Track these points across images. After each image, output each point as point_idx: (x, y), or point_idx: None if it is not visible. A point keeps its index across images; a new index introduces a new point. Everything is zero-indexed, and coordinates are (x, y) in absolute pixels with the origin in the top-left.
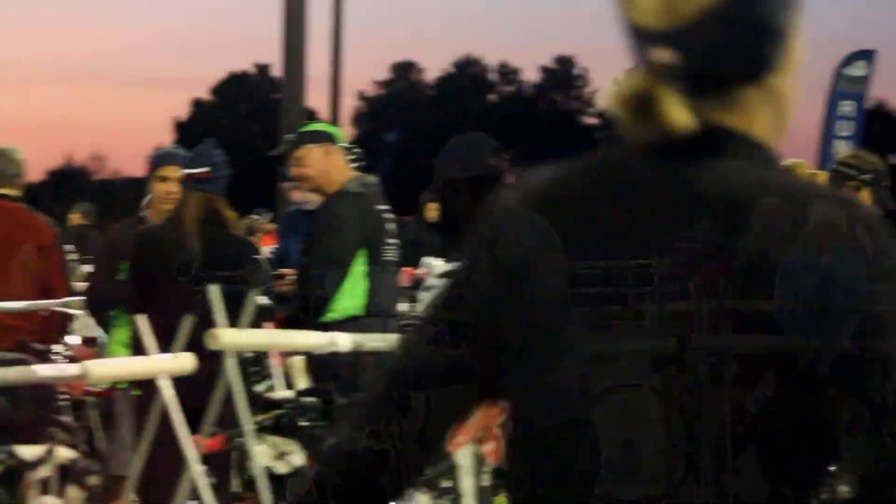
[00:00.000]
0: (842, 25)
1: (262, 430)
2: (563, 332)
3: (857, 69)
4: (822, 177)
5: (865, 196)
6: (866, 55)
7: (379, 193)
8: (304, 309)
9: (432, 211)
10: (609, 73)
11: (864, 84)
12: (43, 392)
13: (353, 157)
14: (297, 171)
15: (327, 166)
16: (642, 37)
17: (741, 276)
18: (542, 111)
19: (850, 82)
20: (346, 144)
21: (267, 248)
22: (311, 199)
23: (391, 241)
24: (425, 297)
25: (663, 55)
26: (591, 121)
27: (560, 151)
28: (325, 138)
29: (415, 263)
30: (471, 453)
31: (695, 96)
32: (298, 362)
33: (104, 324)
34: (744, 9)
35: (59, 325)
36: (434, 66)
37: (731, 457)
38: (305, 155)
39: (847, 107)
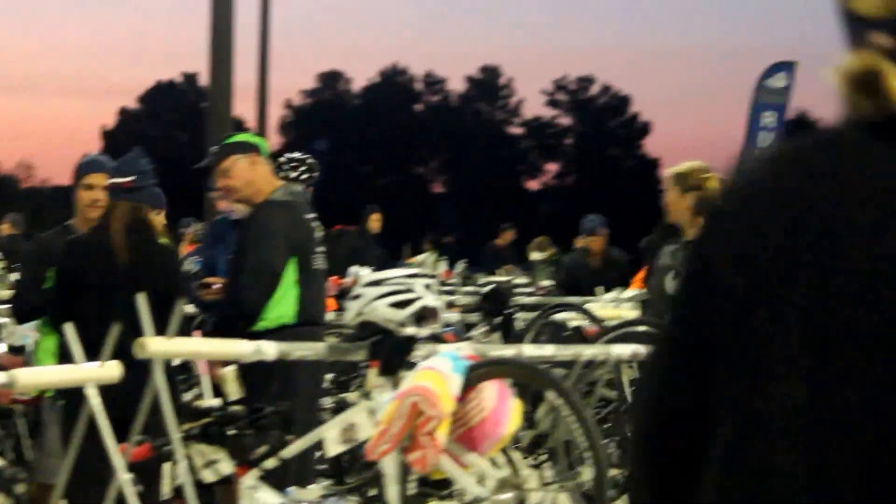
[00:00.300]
0: (764, 37)
1: (190, 438)
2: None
3: (779, 80)
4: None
5: None
6: (787, 67)
7: (306, 202)
8: (233, 318)
9: (375, 222)
10: (534, 83)
11: (785, 95)
12: None
13: (305, 168)
14: (223, 182)
15: (253, 177)
16: (861, 23)
17: None
18: (467, 121)
19: (772, 94)
20: (298, 156)
21: (189, 257)
22: (238, 209)
23: (319, 249)
24: (351, 306)
25: (884, 40)
26: (516, 130)
27: (485, 161)
28: (250, 149)
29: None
30: (396, 462)
31: None
32: (230, 372)
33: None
34: None
35: None
36: (361, 76)
37: None
38: (231, 166)
39: (769, 118)
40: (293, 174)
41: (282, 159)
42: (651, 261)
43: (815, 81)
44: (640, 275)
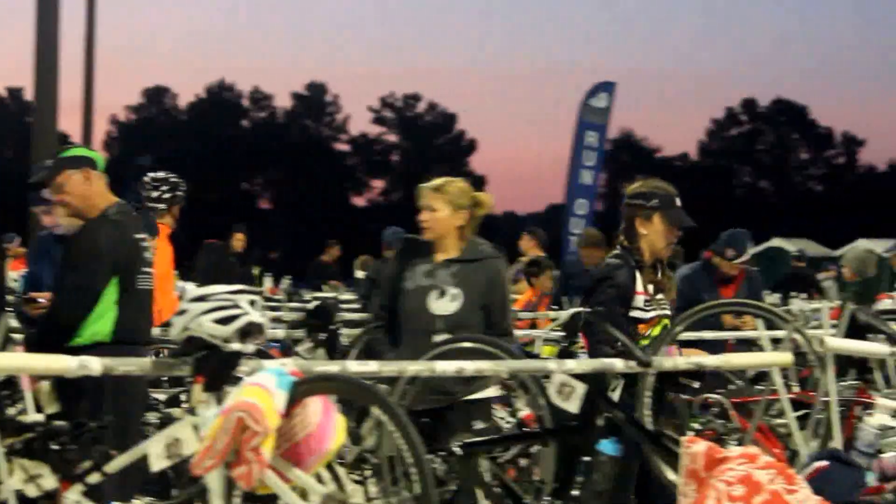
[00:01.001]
0: (588, 57)
1: (13, 453)
2: None
3: (600, 100)
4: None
5: (657, 222)
6: (608, 87)
7: (139, 221)
8: (50, 333)
9: (238, 241)
10: (360, 100)
11: (606, 115)
12: None
13: (167, 188)
14: (58, 197)
15: (87, 192)
16: None
17: None
18: (293, 137)
19: (594, 113)
20: (161, 175)
21: (15, 273)
22: (64, 224)
23: (147, 269)
24: (177, 321)
25: None
26: (343, 147)
27: (312, 177)
28: (85, 163)
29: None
30: (221, 477)
31: None
32: (45, 386)
33: None
34: None
35: None
36: (187, 92)
37: None
38: (65, 181)
39: (591, 137)
40: (154, 194)
41: (145, 179)
42: None
43: (640, 102)
44: None
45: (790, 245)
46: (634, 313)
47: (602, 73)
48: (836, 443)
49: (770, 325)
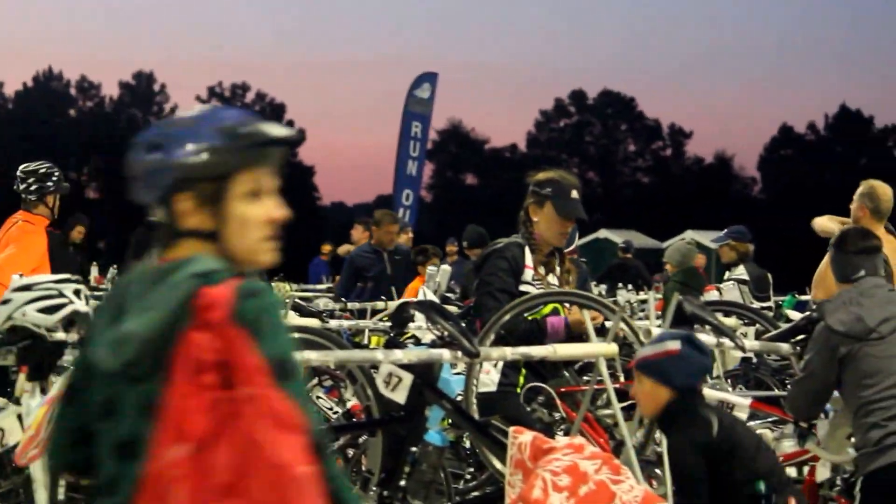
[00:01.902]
0: (419, 47)
1: None
2: None
3: (424, 91)
4: None
5: (548, 210)
6: (430, 78)
7: None
8: None
9: (78, 233)
10: (188, 89)
11: (430, 106)
12: None
13: (33, 179)
14: None
15: None
16: None
17: None
18: (122, 126)
19: (418, 104)
20: (31, 167)
21: None
22: None
23: None
24: (1, 311)
25: None
26: None
27: None
28: None
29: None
30: (45, 467)
31: None
32: None
33: None
34: None
35: None
36: (13, 80)
37: None
38: None
39: (416, 128)
40: (23, 186)
41: (19, 172)
42: None
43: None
44: None
45: (617, 236)
46: (523, 287)
47: (430, 64)
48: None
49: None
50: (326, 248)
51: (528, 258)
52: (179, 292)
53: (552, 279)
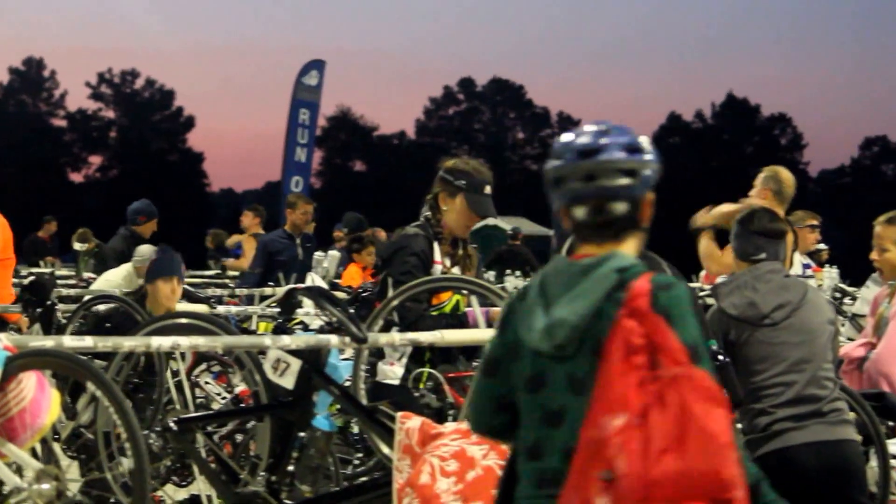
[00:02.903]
0: (307, 34)
1: None
2: None
3: (312, 78)
4: None
5: (459, 203)
6: (318, 65)
7: None
8: None
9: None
10: (78, 75)
11: (318, 93)
12: None
13: None
14: None
15: None
16: None
17: None
18: (11, 112)
19: (306, 91)
20: None
21: None
22: None
23: None
24: None
25: None
26: (60, 123)
27: (28, 153)
28: None
29: None
30: None
31: None
32: None
33: None
34: None
35: None
36: None
37: None
38: None
39: (304, 115)
40: None
41: None
42: None
43: (359, 81)
44: None
45: (505, 223)
46: None
47: (319, 51)
48: None
49: (485, 302)
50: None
51: (437, 252)
52: (605, 284)
53: (456, 271)
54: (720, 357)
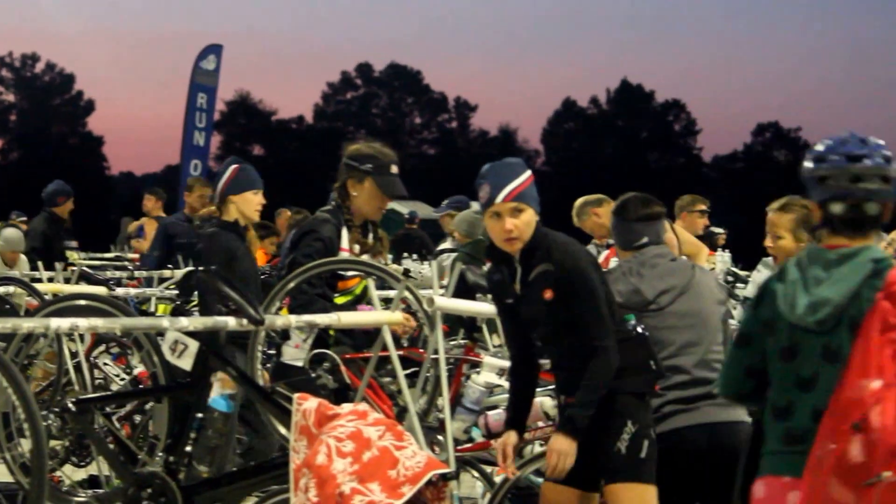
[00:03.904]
0: (205, 18)
1: None
2: None
3: (209, 63)
4: None
5: (368, 186)
6: (216, 49)
7: None
8: None
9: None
10: None
11: (216, 77)
12: None
13: None
14: None
15: None
16: None
17: None
18: None
19: (205, 75)
20: None
21: None
22: None
23: None
24: None
25: None
26: None
27: None
28: None
29: None
30: None
31: None
32: None
33: None
34: None
35: None
36: None
37: None
38: None
39: (202, 99)
40: None
41: None
42: None
43: (258, 65)
44: None
45: (403, 207)
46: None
47: (218, 36)
48: (444, 400)
49: (382, 285)
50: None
51: (345, 239)
52: (863, 271)
53: (366, 258)
54: (639, 329)
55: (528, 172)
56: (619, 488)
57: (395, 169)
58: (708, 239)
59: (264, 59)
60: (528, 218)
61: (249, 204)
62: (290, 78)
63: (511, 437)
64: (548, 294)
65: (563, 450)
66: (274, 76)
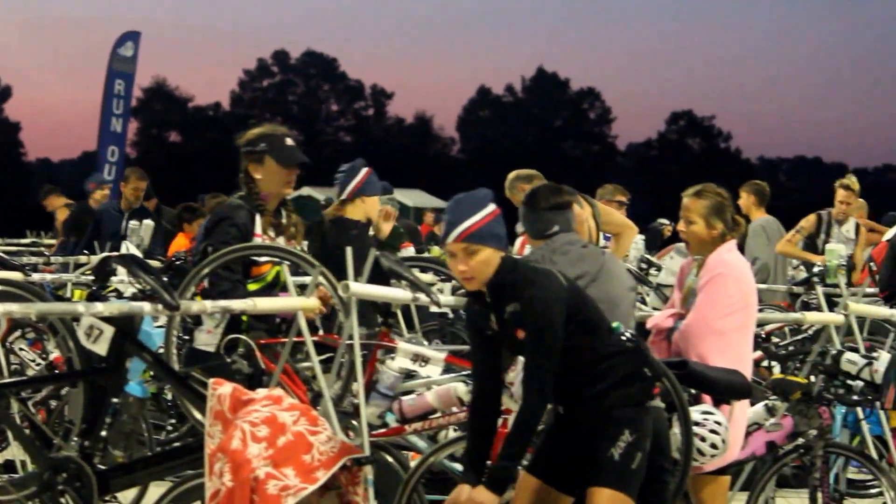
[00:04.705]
0: (125, 4)
1: None
2: None
3: (127, 50)
4: None
5: (270, 164)
6: (134, 36)
7: None
8: None
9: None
10: None
11: (133, 64)
12: None
13: None
14: None
15: None
16: None
17: None
18: None
19: (122, 62)
20: None
21: None
22: None
23: None
24: None
25: None
26: None
27: None
28: None
29: None
30: None
31: None
32: None
33: None
34: None
35: None
36: None
37: None
38: None
39: (120, 85)
40: None
41: None
42: None
43: (174, 52)
44: None
45: (320, 194)
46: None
47: (135, 22)
48: (359, 385)
49: (297, 271)
50: None
51: (258, 225)
52: None
53: (281, 241)
54: (629, 336)
55: (489, 209)
56: (603, 493)
57: (290, 141)
58: (654, 231)
59: (181, 45)
60: (485, 257)
61: (375, 207)
62: (207, 65)
63: (484, 495)
64: (520, 334)
65: (480, 500)
66: (190, 63)
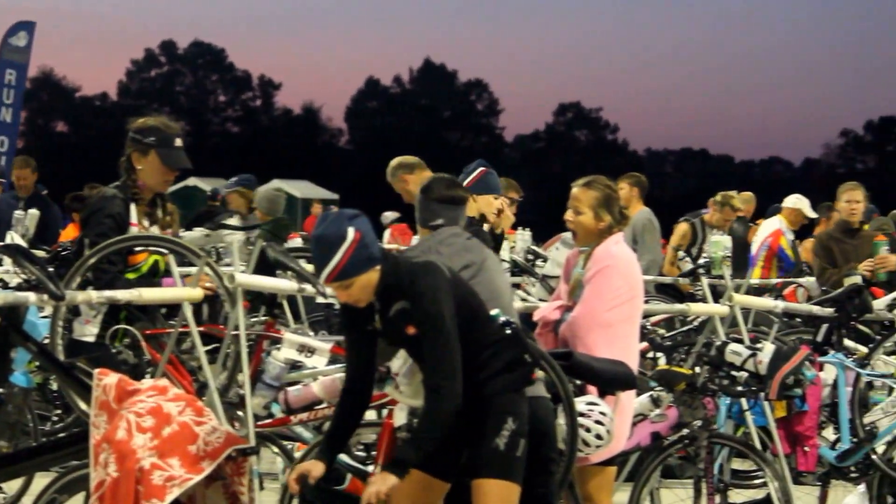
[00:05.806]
0: None
1: None
2: None
3: (20, 39)
4: None
5: (153, 159)
6: (27, 26)
7: None
8: None
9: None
10: None
11: (27, 54)
12: None
13: None
14: None
15: None
16: None
17: None
18: None
19: (14, 52)
20: None
21: None
22: None
23: None
24: None
25: None
26: None
27: None
28: None
29: None
30: None
31: None
32: None
33: None
34: None
35: None
36: None
37: None
38: None
39: (11, 75)
40: None
41: None
42: None
43: (61, 41)
44: None
45: (206, 184)
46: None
47: (24, 11)
48: (244, 376)
49: (183, 262)
50: None
51: (133, 214)
52: None
53: (156, 230)
54: (508, 321)
55: (348, 240)
56: (490, 484)
57: (178, 142)
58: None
59: (68, 35)
60: (362, 283)
61: (490, 206)
62: (95, 55)
63: (318, 468)
64: (410, 330)
65: (386, 484)
66: (77, 53)
